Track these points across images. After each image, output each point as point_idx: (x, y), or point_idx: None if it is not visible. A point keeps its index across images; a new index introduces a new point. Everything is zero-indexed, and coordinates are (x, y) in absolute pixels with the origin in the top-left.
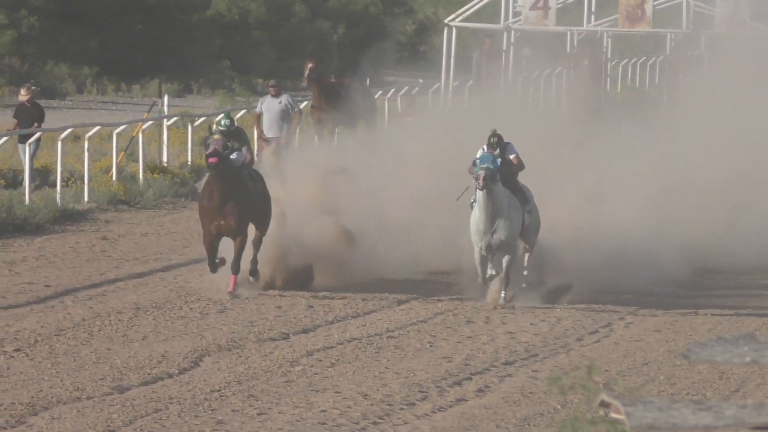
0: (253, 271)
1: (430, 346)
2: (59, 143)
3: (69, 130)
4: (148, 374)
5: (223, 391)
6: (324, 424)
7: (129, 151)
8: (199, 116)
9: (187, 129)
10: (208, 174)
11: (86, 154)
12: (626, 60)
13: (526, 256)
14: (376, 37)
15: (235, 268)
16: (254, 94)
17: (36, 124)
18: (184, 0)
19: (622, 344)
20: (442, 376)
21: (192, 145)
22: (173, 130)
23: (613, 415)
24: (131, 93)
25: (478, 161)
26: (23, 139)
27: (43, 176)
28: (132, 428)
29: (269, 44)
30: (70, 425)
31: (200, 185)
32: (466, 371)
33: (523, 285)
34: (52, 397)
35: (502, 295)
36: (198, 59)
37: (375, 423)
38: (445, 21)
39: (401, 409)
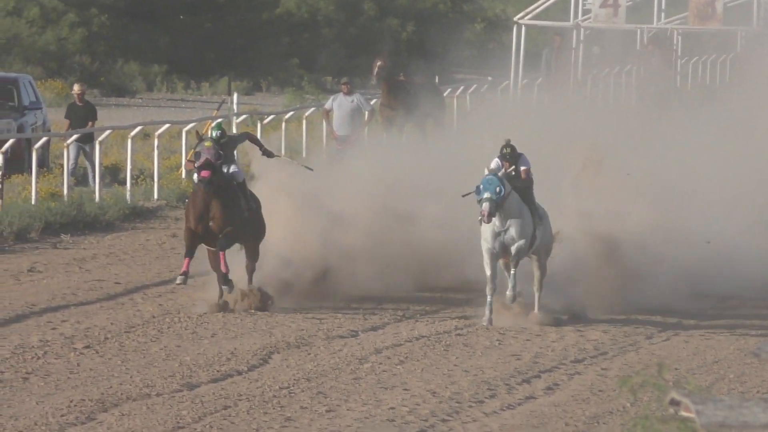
0: (266, 298)
1: (499, 343)
2: (129, 141)
3: (139, 128)
4: (218, 371)
5: (292, 388)
6: (392, 421)
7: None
8: (269, 114)
9: (256, 126)
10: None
11: (156, 151)
12: (696, 57)
13: (536, 276)
14: (445, 35)
15: (252, 274)
16: (323, 91)
17: (91, 123)
18: None
19: (691, 342)
20: (510, 374)
21: None
22: (242, 128)
23: (684, 413)
24: (201, 91)
25: (481, 187)
26: (81, 138)
27: (112, 174)
28: (201, 425)
29: (338, 42)
30: (139, 422)
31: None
32: (535, 369)
33: (535, 311)
34: (121, 394)
35: (508, 293)
36: (267, 57)
37: (444, 420)
38: (515, 19)
39: (470, 406)
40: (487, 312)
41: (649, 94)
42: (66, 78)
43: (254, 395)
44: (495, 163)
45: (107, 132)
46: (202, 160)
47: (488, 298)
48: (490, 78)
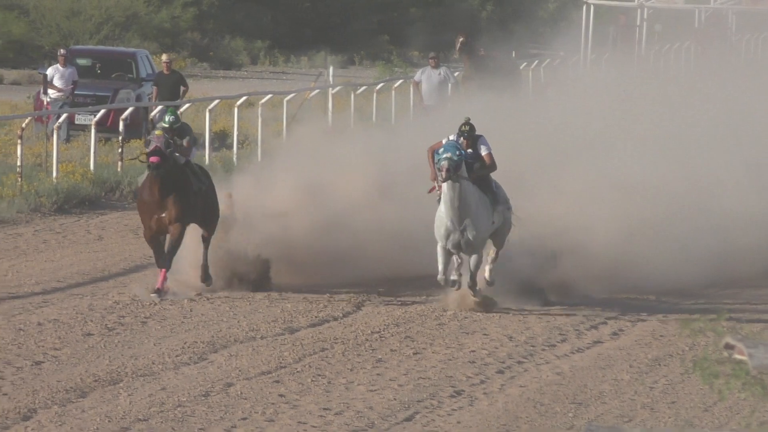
0: (205, 277)
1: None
2: (235, 109)
3: (244, 98)
4: (316, 317)
5: (382, 332)
6: (473, 362)
7: (297, 117)
8: (361, 85)
9: (349, 97)
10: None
11: (259, 119)
12: (749, 35)
13: (491, 256)
14: (521, 14)
15: (166, 263)
16: (410, 65)
17: (183, 89)
18: None
19: (743, 293)
20: (580, 321)
21: (353, 111)
22: (337, 98)
23: (737, 356)
24: (300, 64)
25: (441, 150)
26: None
27: (221, 139)
28: (301, 365)
29: (424, 20)
30: (246, 361)
31: (141, 179)
32: (602, 316)
33: (486, 280)
34: (230, 337)
35: (474, 297)
36: (360, 34)
37: (519, 362)
38: None
39: (543, 350)
40: (451, 286)
41: (705, 68)
42: (179, 52)
43: (348, 339)
44: (453, 137)
45: (215, 101)
46: (152, 147)
47: (439, 277)
48: (561, 53)
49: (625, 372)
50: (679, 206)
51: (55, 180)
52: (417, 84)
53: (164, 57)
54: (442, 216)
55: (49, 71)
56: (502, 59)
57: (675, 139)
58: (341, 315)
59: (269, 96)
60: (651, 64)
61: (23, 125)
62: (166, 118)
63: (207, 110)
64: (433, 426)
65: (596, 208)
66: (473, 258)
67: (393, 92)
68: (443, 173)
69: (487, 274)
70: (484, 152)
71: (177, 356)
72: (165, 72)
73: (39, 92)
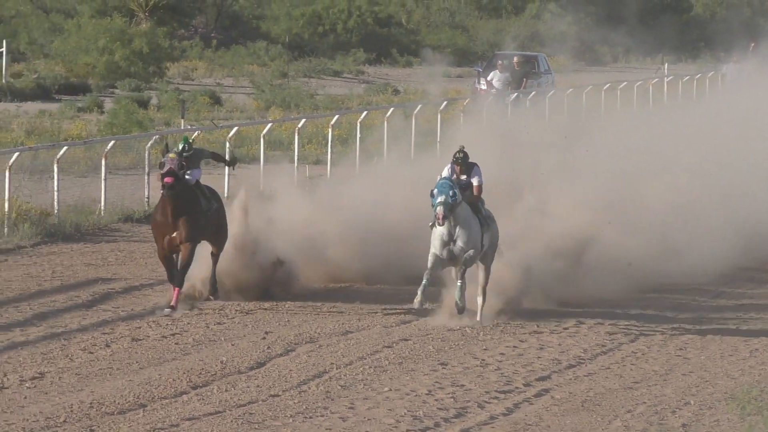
0: (213, 291)
1: None
2: (602, 93)
3: (607, 85)
4: None
5: None
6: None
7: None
8: (686, 76)
9: (678, 84)
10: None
11: (618, 100)
12: None
13: (480, 283)
14: None
15: (179, 281)
16: (717, 62)
17: (525, 80)
18: (678, 4)
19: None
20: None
21: (680, 94)
22: (670, 85)
23: None
24: (644, 62)
25: (435, 191)
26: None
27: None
28: None
29: (726, 32)
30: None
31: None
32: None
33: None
34: None
35: (458, 303)
36: (684, 42)
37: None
38: None
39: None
40: (419, 294)
41: None
42: (563, 54)
43: None
44: (447, 170)
45: (588, 87)
46: (166, 168)
47: (424, 281)
48: None
49: None
50: None
51: None
52: (724, 75)
53: (515, 58)
54: (437, 235)
55: (491, 75)
56: None
57: None
58: None
59: (624, 83)
60: None
61: (464, 104)
62: (179, 146)
63: (584, 93)
64: None
65: None
66: (481, 277)
67: (707, 80)
68: (439, 220)
69: (478, 316)
70: (475, 183)
71: None
72: (516, 68)
73: (475, 82)
